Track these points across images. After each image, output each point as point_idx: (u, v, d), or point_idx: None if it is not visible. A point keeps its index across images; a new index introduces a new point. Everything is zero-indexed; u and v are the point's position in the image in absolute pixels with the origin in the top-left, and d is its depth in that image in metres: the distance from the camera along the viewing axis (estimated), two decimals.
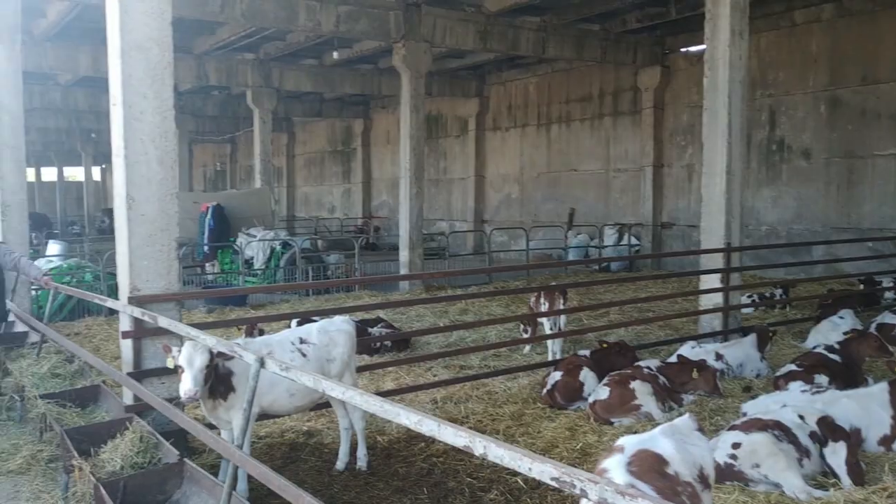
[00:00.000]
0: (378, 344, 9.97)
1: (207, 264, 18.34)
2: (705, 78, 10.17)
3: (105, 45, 6.26)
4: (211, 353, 4.95)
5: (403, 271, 16.58)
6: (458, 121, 27.31)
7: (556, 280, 15.89)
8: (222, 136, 39.19)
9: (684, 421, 3.71)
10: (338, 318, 6.23)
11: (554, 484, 2.27)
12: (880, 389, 6.51)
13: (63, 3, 15.01)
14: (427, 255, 18.69)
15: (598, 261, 19.54)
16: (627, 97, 21.13)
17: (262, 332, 8.86)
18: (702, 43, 10.55)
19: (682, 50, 19.62)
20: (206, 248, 18.53)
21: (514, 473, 5.79)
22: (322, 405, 6.55)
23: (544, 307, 9.59)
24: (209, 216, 18.79)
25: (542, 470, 2.30)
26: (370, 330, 10.10)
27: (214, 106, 30.33)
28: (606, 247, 20.30)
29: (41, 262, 14.08)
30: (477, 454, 2.55)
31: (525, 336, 10.14)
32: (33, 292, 12.44)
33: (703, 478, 3.32)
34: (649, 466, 3.04)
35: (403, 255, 16.74)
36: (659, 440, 3.28)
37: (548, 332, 9.68)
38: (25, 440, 7.05)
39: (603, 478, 2.88)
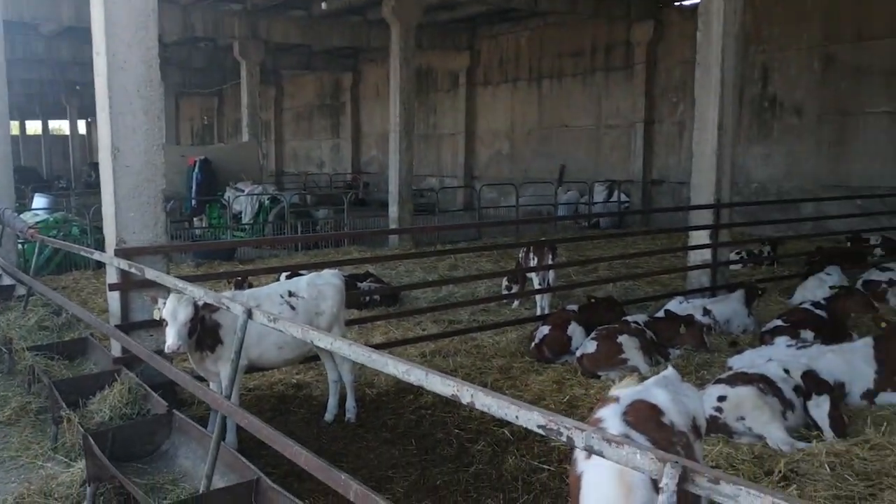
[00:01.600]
0: (367, 298, 9.98)
1: (195, 219, 18.22)
2: (698, 32, 10.03)
3: None
4: (196, 305, 4.93)
5: (393, 227, 16.53)
6: (449, 75, 26.99)
7: (545, 236, 15.89)
8: (209, 90, 38.58)
9: (672, 373, 3.73)
10: (327, 272, 6.21)
11: (541, 432, 2.28)
12: (864, 345, 6.58)
13: None
14: (416, 211, 18.62)
15: (587, 216, 19.54)
16: (620, 52, 20.89)
17: (251, 287, 8.84)
18: None
19: (676, 3, 19.36)
20: (193, 202, 18.38)
21: (502, 425, 5.85)
22: (311, 358, 6.57)
23: (533, 262, 9.61)
24: (196, 170, 18.56)
25: (529, 418, 2.30)
26: (359, 285, 10.09)
27: (201, 58, 29.75)
28: (596, 203, 20.28)
29: (27, 216, 13.95)
30: (464, 402, 2.55)
31: (508, 293, 10.16)
32: (20, 246, 12.33)
33: (695, 428, 3.34)
34: (646, 417, 3.04)
35: (393, 210, 16.69)
36: (654, 391, 3.29)
37: (536, 287, 9.71)
38: (14, 392, 7.04)
39: (598, 427, 2.89)
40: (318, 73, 33.43)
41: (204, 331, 5.14)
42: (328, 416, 6.13)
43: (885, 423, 5.69)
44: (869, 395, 6.31)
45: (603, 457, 2.13)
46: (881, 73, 15.54)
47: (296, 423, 6.14)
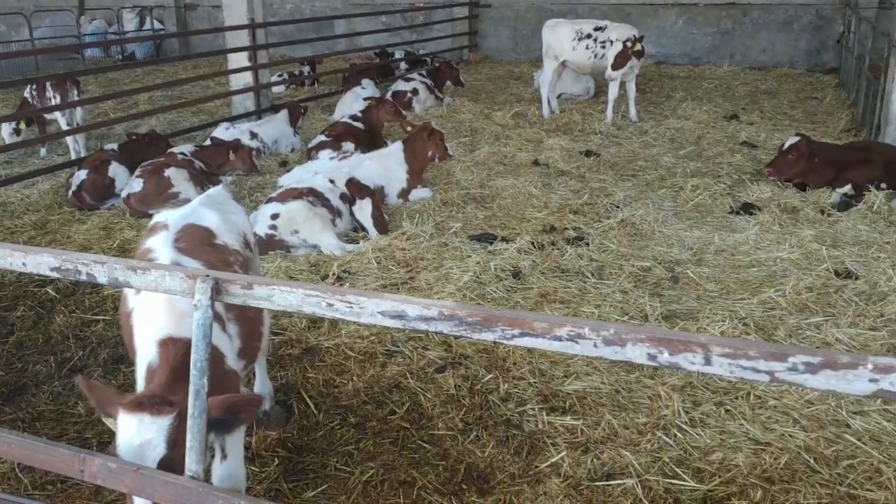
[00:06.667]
0: None
1: None
2: None
3: None
4: None
5: None
6: None
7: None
8: None
9: (219, 190, 3.61)
10: None
11: (56, 275, 1.99)
12: (396, 149, 7.22)
13: None
14: None
15: (115, 42, 17.75)
16: None
17: None
18: None
19: None
20: None
21: (43, 284, 5.25)
22: None
23: (55, 101, 8.44)
24: None
25: (39, 262, 1.98)
26: None
27: None
28: (128, 33, 18.44)
29: None
30: None
31: (18, 139, 8.76)
32: None
33: (247, 244, 3.31)
34: (199, 240, 2.90)
35: None
36: (202, 212, 3.12)
37: (64, 128, 8.60)
38: None
39: (147, 259, 2.66)
40: None
41: None
42: None
43: (416, 216, 6.42)
44: (403, 194, 7.03)
45: (131, 286, 1.94)
46: None
47: None
